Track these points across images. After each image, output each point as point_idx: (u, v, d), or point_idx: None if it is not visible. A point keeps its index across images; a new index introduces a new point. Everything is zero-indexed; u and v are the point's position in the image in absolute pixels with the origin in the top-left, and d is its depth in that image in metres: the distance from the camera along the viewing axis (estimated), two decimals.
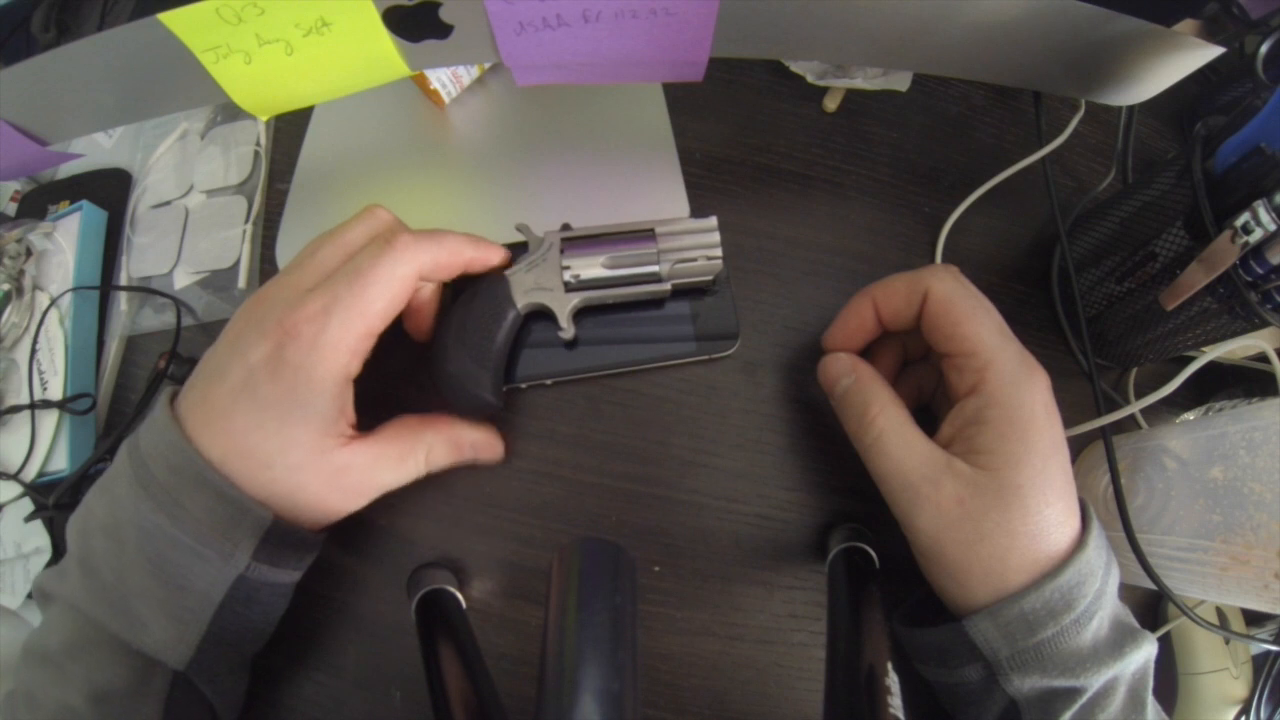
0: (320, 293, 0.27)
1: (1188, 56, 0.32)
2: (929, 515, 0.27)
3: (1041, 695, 0.26)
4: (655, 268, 0.34)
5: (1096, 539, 0.27)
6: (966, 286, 0.30)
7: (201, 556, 0.26)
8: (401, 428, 0.31)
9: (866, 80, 0.42)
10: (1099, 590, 0.26)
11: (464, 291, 0.34)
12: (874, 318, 0.32)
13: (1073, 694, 0.25)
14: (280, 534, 0.27)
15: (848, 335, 0.33)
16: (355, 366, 0.28)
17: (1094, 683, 0.25)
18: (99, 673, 0.26)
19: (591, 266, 0.34)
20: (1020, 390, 0.27)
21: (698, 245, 0.34)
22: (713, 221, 0.35)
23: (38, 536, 0.37)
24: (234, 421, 0.26)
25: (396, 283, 0.28)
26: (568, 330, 0.34)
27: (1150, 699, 0.26)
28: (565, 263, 0.34)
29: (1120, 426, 0.36)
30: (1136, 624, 0.27)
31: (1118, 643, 0.26)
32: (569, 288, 0.34)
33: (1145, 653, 0.26)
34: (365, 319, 0.28)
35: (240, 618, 0.28)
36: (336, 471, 0.28)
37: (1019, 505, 0.26)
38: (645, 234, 0.34)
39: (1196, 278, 0.30)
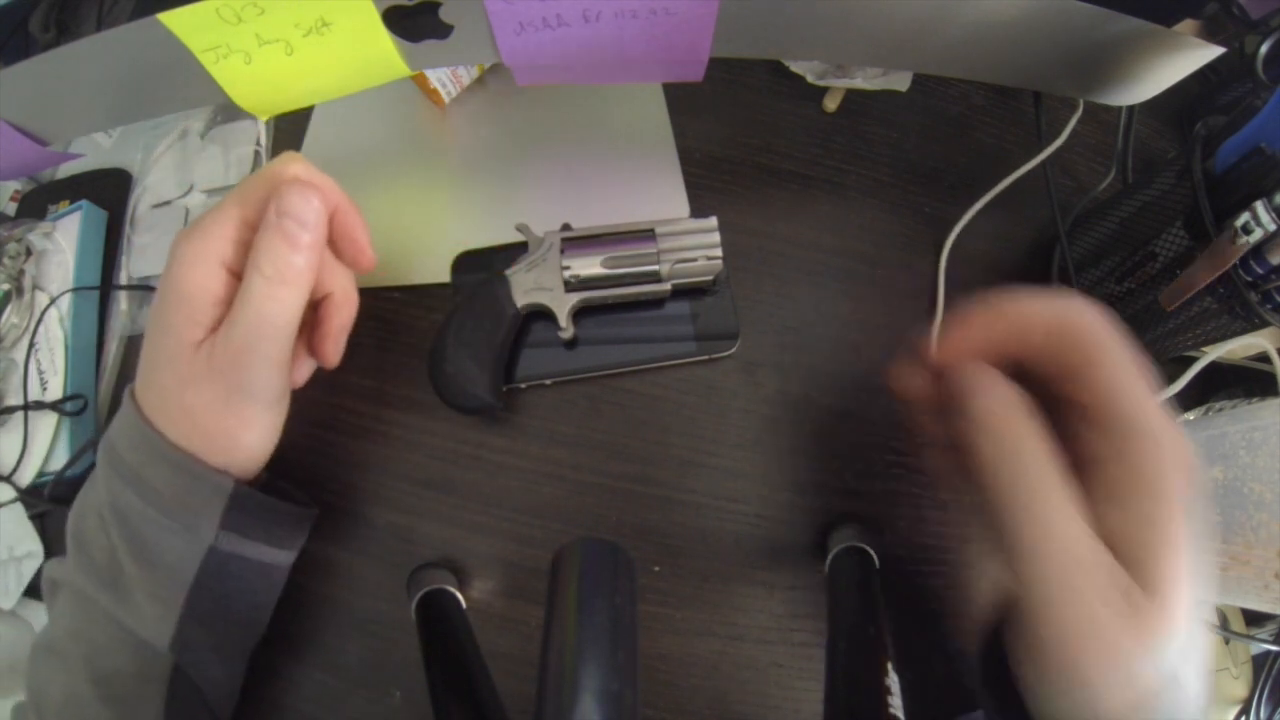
0: None
1: (1188, 56, 0.32)
2: (1075, 623, 0.20)
3: None
4: (655, 267, 0.34)
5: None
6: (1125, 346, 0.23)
7: (169, 530, 0.26)
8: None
9: (866, 80, 0.42)
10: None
11: (464, 293, 0.34)
12: (997, 335, 0.25)
13: None
14: (245, 500, 0.27)
15: (965, 346, 0.25)
16: (223, 251, 0.27)
17: None
18: (100, 655, 0.26)
19: (591, 266, 0.34)
20: (1181, 483, 0.21)
21: (698, 245, 0.34)
22: (713, 222, 0.35)
23: (30, 540, 0.37)
24: (147, 380, 0.27)
25: (265, 175, 0.28)
26: (567, 330, 0.34)
27: None
28: (565, 263, 0.34)
29: None
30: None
31: None
32: (569, 287, 0.34)
33: None
34: (229, 208, 0.27)
35: (216, 594, 0.28)
36: (208, 364, 0.26)
37: (1169, 639, 0.20)
38: (645, 234, 0.34)
39: (1196, 278, 0.30)
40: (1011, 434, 0.22)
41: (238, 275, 0.27)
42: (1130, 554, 0.20)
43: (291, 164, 0.28)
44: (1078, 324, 0.23)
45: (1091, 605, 0.20)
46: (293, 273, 0.26)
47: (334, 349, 0.31)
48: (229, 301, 0.27)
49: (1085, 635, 0.20)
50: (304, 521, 0.32)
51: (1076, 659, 0.20)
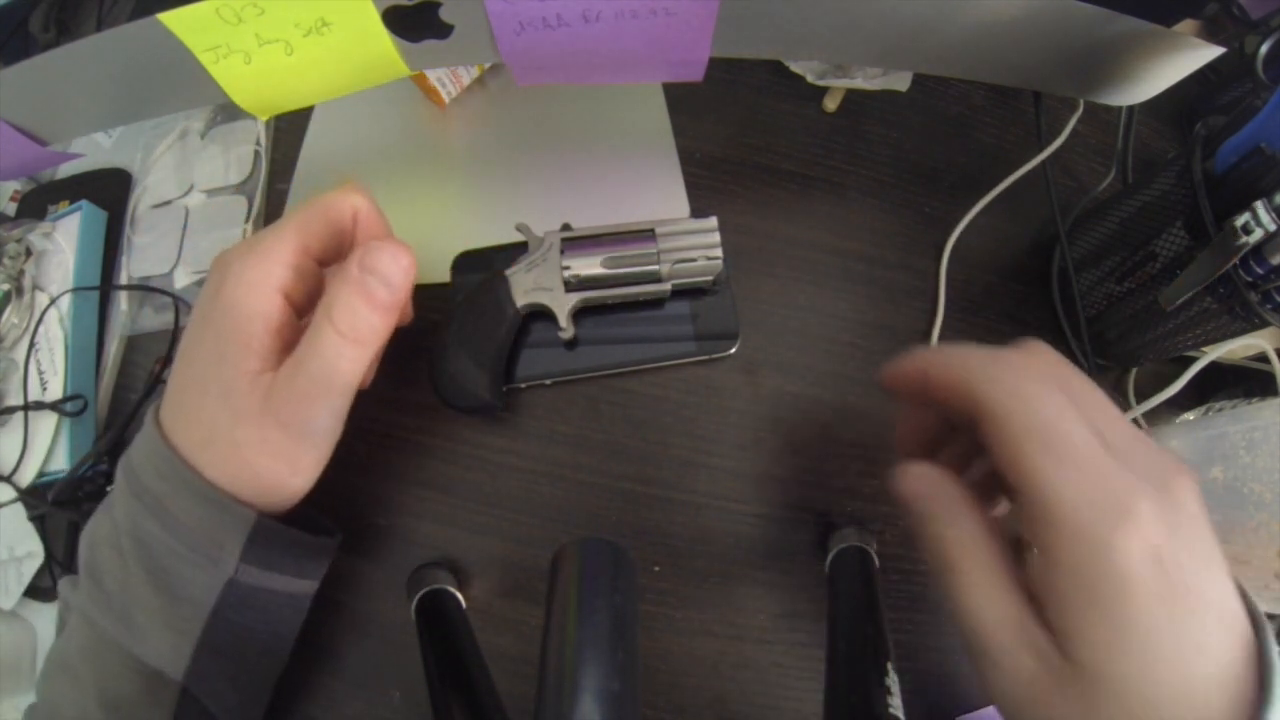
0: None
1: (1188, 56, 0.32)
2: (1002, 689, 0.21)
3: None
4: (655, 267, 0.34)
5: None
6: (1040, 401, 0.21)
7: (191, 562, 0.26)
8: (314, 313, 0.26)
9: (866, 80, 0.42)
10: None
11: (464, 293, 0.34)
12: (922, 385, 0.25)
13: None
14: (267, 533, 0.27)
15: (912, 433, 0.27)
16: (285, 280, 0.26)
17: None
18: (110, 680, 0.26)
19: (591, 266, 0.34)
20: (1105, 548, 0.19)
21: (698, 245, 0.34)
22: (713, 221, 0.35)
23: (30, 540, 0.37)
24: (189, 407, 0.26)
25: (330, 205, 0.27)
26: (567, 330, 0.34)
27: None
28: (565, 263, 0.34)
29: None
30: None
31: None
32: (569, 287, 0.34)
33: None
34: (291, 236, 0.26)
35: (236, 626, 0.27)
36: (265, 403, 0.25)
37: (1114, 698, 0.19)
38: (645, 234, 0.34)
39: (1196, 278, 0.30)
40: (934, 533, 0.23)
41: (292, 303, 0.27)
42: (1060, 631, 0.20)
43: (353, 195, 0.28)
44: (983, 407, 0.22)
45: (1013, 678, 0.21)
46: (369, 333, 0.26)
47: (370, 374, 0.31)
48: (284, 332, 0.26)
49: (1014, 705, 0.21)
50: (327, 551, 0.31)
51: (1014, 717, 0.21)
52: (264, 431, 0.25)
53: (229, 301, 0.25)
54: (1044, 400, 0.21)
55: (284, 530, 0.27)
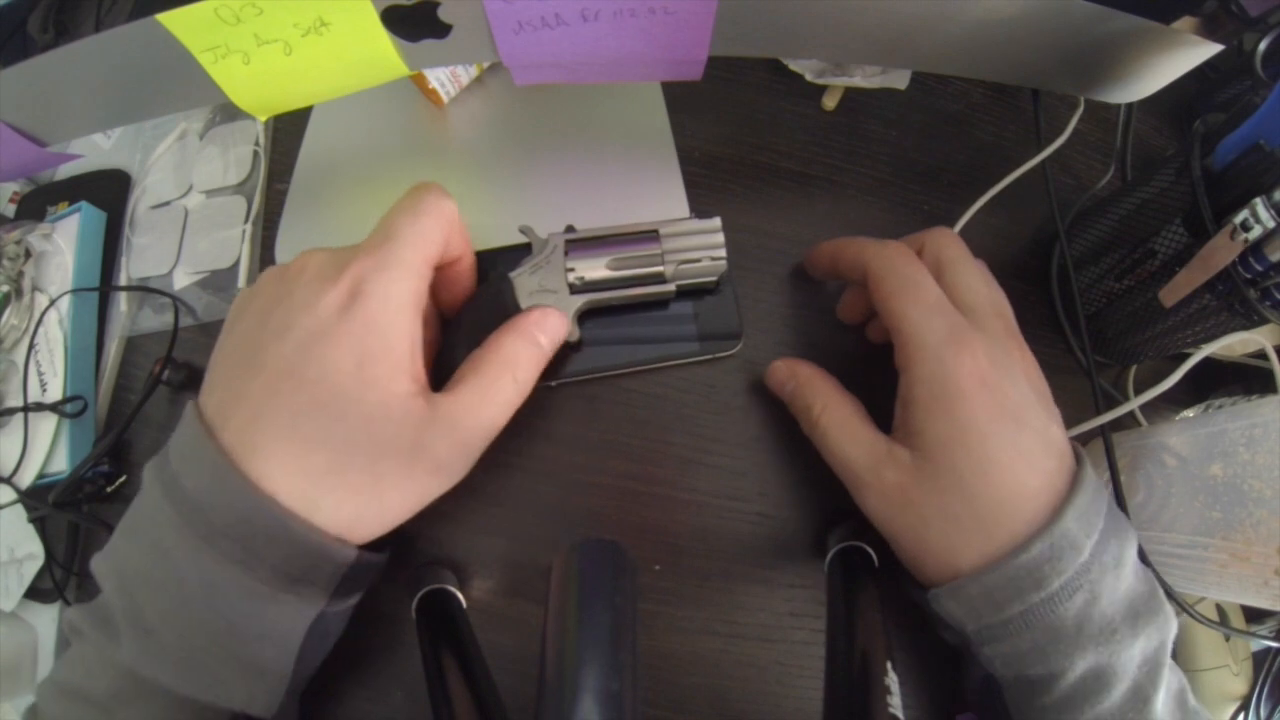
0: (367, 244, 0.26)
1: (1187, 54, 0.32)
2: (874, 503, 0.28)
3: (1017, 679, 0.25)
4: (660, 268, 0.34)
5: (1080, 510, 0.24)
6: (905, 265, 0.29)
7: (279, 602, 0.24)
8: (479, 362, 0.28)
9: (865, 78, 0.42)
10: (1083, 565, 0.24)
11: (468, 295, 0.34)
12: (840, 273, 0.34)
13: (1048, 679, 0.24)
14: (359, 568, 0.26)
15: (849, 308, 0.36)
16: (424, 296, 0.27)
17: (1073, 665, 0.24)
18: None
19: (596, 268, 0.34)
20: (944, 364, 0.26)
21: (701, 246, 0.34)
22: (716, 222, 0.35)
23: (31, 542, 0.37)
24: (307, 435, 0.24)
25: (443, 213, 0.28)
26: (574, 333, 0.34)
27: (1160, 694, 0.24)
28: (569, 265, 0.34)
29: (1120, 424, 0.36)
30: (1154, 603, 0.25)
31: (1109, 628, 0.24)
32: (574, 290, 0.34)
33: (1149, 640, 0.24)
34: (424, 246, 0.27)
35: (315, 653, 0.26)
36: (419, 439, 0.25)
37: (957, 488, 0.25)
38: (649, 235, 0.34)
39: (1195, 275, 0.30)
40: (802, 405, 0.32)
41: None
42: (915, 434, 0.27)
43: (445, 198, 0.28)
44: (868, 271, 0.30)
45: (880, 492, 0.27)
46: (531, 384, 0.29)
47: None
48: (420, 351, 0.27)
49: (885, 514, 0.27)
50: (382, 565, 0.30)
51: (890, 533, 0.28)
52: (413, 468, 0.25)
53: (374, 320, 0.24)
54: (908, 268, 0.29)
55: (374, 559, 0.27)
